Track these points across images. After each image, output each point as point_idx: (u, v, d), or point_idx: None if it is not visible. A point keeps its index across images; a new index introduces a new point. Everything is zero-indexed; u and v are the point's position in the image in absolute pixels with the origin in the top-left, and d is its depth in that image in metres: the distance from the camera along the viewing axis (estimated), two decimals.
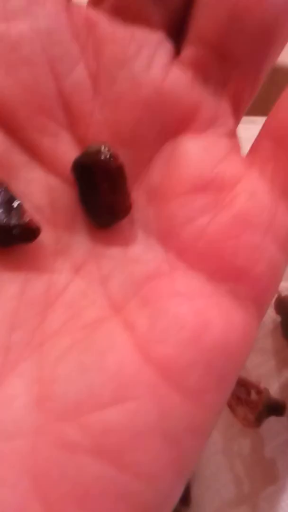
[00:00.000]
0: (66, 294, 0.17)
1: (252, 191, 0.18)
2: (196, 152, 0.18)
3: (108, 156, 0.17)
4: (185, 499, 0.34)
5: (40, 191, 0.18)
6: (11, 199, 0.17)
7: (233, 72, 0.18)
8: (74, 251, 0.18)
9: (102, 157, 0.17)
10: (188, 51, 0.18)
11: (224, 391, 0.17)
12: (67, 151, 0.18)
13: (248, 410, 0.34)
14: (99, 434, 0.16)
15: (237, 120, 0.19)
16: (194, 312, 0.17)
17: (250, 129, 0.37)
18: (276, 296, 0.35)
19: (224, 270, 0.17)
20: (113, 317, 0.17)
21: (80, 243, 0.18)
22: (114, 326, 0.17)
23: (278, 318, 0.36)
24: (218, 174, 0.18)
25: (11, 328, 0.17)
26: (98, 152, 0.17)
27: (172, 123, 0.18)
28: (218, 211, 0.18)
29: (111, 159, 0.17)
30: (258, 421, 0.34)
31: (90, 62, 0.18)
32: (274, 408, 0.34)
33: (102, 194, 0.18)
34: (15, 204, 0.17)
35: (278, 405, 0.34)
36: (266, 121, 0.18)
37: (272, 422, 0.34)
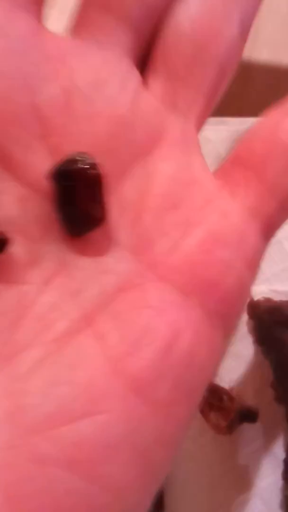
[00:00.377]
0: (37, 306, 0.17)
1: (223, 211, 0.18)
2: (168, 171, 0.19)
3: (88, 164, 0.18)
4: (159, 505, 0.34)
5: (11, 201, 0.18)
6: None
7: (197, 97, 0.20)
8: (45, 262, 0.18)
9: (83, 165, 0.18)
10: (156, 84, 0.20)
11: (193, 403, 0.18)
12: (40, 162, 0.18)
13: (220, 416, 0.34)
14: (70, 447, 0.16)
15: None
16: (165, 324, 0.17)
17: (221, 130, 0.37)
18: (248, 300, 0.35)
19: (194, 283, 0.18)
20: (84, 329, 0.17)
21: (52, 254, 0.18)
22: (85, 338, 0.17)
23: (251, 323, 0.36)
24: (190, 194, 0.19)
25: None
26: (79, 160, 0.18)
27: (143, 140, 0.19)
28: (191, 227, 0.18)
29: (92, 167, 0.18)
30: (230, 428, 0.34)
31: (63, 81, 0.18)
32: (246, 415, 0.34)
33: (79, 202, 0.18)
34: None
35: (251, 412, 0.34)
36: (237, 147, 0.19)
37: (245, 429, 0.34)
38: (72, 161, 0.18)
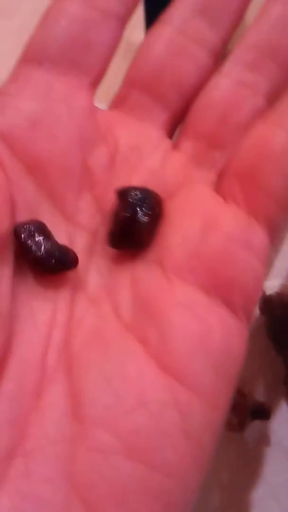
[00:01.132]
0: (86, 319, 0.20)
1: (233, 217, 0.20)
2: (188, 198, 0.21)
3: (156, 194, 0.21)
4: None
5: (61, 237, 0.21)
6: (50, 233, 0.20)
7: (220, 156, 0.22)
8: (92, 275, 0.21)
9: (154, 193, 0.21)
10: (185, 145, 0.23)
11: (230, 391, 0.19)
12: (86, 206, 0.21)
13: (232, 413, 0.33)
14: (128, 436, 0.17)
15: None
16: (197, 320, 0.19)
17: None
18: (261, 295, 0.34)
19: (217, 283, 0.19)
20: (126, 332, 0.19)
21: (98, 269, 0.21)
22: (128, 341, 0.19)
23: (263, 318, 0.35)
24: (206, 206, 0.21)
25: (45, 349, 0.19)
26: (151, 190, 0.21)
27: (172, 187, 0.22)
28: (209, 232, 0.20)
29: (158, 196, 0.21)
30: (242, 425, 0.33)
31: (109, 147, 0.22)
32: (259, 412, 0.33)
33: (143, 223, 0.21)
34: (54, 238, 0.20)
35: (264, 409, 0.33)
36: (229, 160, 0.22)
37: (257, 426, 0.33)
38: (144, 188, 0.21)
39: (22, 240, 0.20)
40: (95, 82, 0.22)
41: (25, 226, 0.20)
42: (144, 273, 0.20)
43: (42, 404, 0.18)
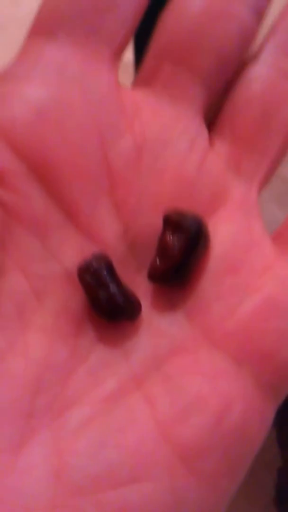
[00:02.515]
0: (89, 361, 0.18)
1: (282, 279, 0.18)
2: (229, 234, 0.19)
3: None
4: None
5: (72, 253, 0.18)
6: (118, 277, 0.18)
7: (261, 163, 0.20)
8: None
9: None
10: (222, 146, 0.20)
11: (238, 475, 0.17)
12: (103, 216, 0.18)
13: None
14: None
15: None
16: (216, 394, 0.17)
17: None
18: None
19: (249, 352, 0.17)
20: (134, 390, 0.17)
21: None
22: (134, 400, 0.17)
23: None
24: (249, 258, 0.18)
25: (35, 391, 0.17)
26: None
27: (207, 202, 0.19)
28: (248, 293, 0.18)
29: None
30: None
31: (136, 137, 0.19)
32: None
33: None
34: (121, 282, 0.18)
35: None
36: None
37: None
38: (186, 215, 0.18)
39: (84, 279, 0.18)
40: (119, 52, 0.19)
41: (91, 262, 0.18)
42: (169, 323, 0.18)
43: (20, 463, 0.16)
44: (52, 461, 0.16)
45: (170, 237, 0.18)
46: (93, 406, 0.17)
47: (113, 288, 0.18)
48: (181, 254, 0.18)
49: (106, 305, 0.18)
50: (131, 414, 0.17)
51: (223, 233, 0.19)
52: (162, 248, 0.18)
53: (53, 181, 0.18)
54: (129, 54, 0.32)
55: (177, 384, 0.17)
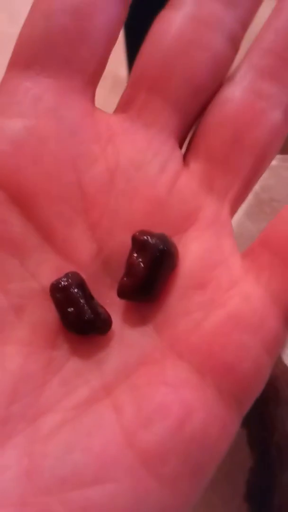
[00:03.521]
0: (62, 372, 0.19)
1: (246, 295, 0.19)
2: (198, 252, 0.20)
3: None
4: None
5: (50, 272, 0.19)
6: (88, 292, 0.19)
7: (234, 183, 0.21)
8: None
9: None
10: (196, 165, 0.21)
11: (200, 480, 0.18)
12: (79, 236, 0.20)
13: None
14: (79, 510, 0.17)
15: (232, 217, 0.21)
16: (178, 402, 0.18)
17: None
18: None
19: (211, 364, 0.18)
20: (103, 398, 0.19)
21: None
22: (103, 408, 0.18)
23: None
24: (216, 275, 0.19)
25: (11, 399, 0.18)
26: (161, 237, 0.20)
27: (178, 221, 0.20)
28: (213, 308, 0.19)
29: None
30: None
31: (109, 161, 0.20)
32: None
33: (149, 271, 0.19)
34: (92, 298, 0.19)
35: None
36: (264, 230, 0.20)
37: None
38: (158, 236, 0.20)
39: (55, 296, 0.19)
40: (94, 79, 0.20)
41: (60, 281, 0.19)
42: (139, 336, 0.19)
43: None
44: (24, 463, 0.17)
45: (135, 257, 0.19)
46: (64, 413, 0.18)
47: (82, 304, 0.19)
48: (146, 272, 0.19)
49: (75, 321, 0.19)
50: (99, 421, 0.18)
51: (193, 251, 0.20)
52: (129, 267, 0.19)
53: (30, 207, 0.19)
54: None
55: (143, 393, 0.18)
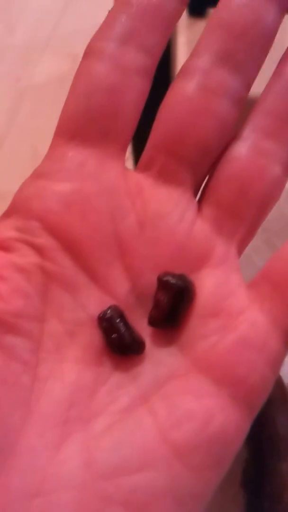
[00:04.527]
0: (108, 384, 0.23)
1: (252, 321, 0.23)
2: (211, 286, 0.24)
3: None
4: None
5: (95, 304, 0.24)
6: (127, 323, 0.23)
7: (240, 227, 0.24)
8: None
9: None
10: (208, 211, 0.24)
11: (221, 469, 0.22)
12: (117, 276, 0.24)
13: None
14: (128, 492, 0.21)
15: (239, 256, 0.25)
16: (202, 408, 0.22)
17: None
18: None
19: (226, 378, 0.22)
20: (141, 405, 0.23)
21: None
22: (141, 412, 0.23)
23: None
24: (227, 305, 0.24)
25: (68, 408, 0.22)
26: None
27: (195, 260, 0.24)
28: (226, 333, 0.23)
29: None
30: None
31: (138, 213, 0.24)
32: None
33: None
34: (129, 326, 0.24)
35: None
36: (267, 263, 0.24)
37: None
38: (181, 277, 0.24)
39: (101, 325, 0.23)
40: (126, 144, 0.24)
41: (106, 313, 0.23)
42: (167, 355, 0.23)
43: (60, 455, 0.21)
44: (83, 455, 0.22)
45: (160, 294, 0.24)
46: (111, 416, 0.23)
47: (122, 331, 0.23)
48: (169, 306, 0.23)
49: (117, 344, 0.23)
50: (139, 422, 0.22)
51: (207, 285, 0.24)
52: (156, 302, 0.24)
53: (78, 253, 0.23)
54: None
55: (173, 401, 0.22)
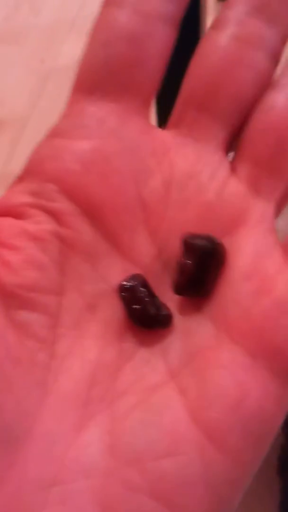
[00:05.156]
0: (133, 360, 0.22)
1: None
2: (246, 248, 0.22)
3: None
4: None
5: (117, 274, 0.22)
6: (152, 293, 0.22)
7: (278, 184, 0.22)
8: None
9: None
10: (243, 169, 0.23)
11: (259, 451, 0.20)
12: (141, 242, 0.22)
13: None
14: (155, 479, 0.20)
15: (276, 217, 0.23)
16: (235, 384, 0.20)
17: None
18: None
19: (262, 347, 0.20)
20: (169, 382, 0.21)
21: None
22: (170, 390, 0.21)
23: None
24: (262, 267, 0.22)
25: (90, 386, 0.21)
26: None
27: (228, 222, 0.22)
28: (261, 297, 0.21)
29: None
30: None
31: (164, 174, 0.22)
32: None
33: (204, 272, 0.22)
34: (155, 297, 0.22)
35: None
36: None
37: None
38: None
39: (123, 296, 0.22)
40: (149, 100, 0.23)
41: (127, 282, 0.21)
42: (197, 326, 0.21)
43: (80, 440, 0.20)
44: (106, 439, 0.20)
45: (185, 257, 0.22)
46: (137, 396, 0.21)
47: (146, 302, 0.22)
48: (193, 270, 0.22)
49: (141, 316, 0.22)
50: (167, 401, 0.21)
51: (241, 248, 0.22)
52: (181, 267, 0.22)
53: (98, 218, 0.22)
54: None
55: (204, 376, 0.21)
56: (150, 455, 0.20)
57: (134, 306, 0.22)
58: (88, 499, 0.19)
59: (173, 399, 0.21)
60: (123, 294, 0.22)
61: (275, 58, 0.23)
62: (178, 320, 0.22)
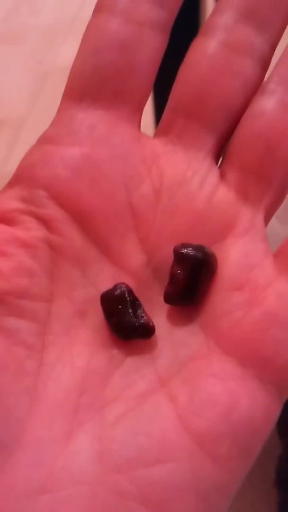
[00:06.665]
0: (122, 368, 0.22)
1: (280, 294, 0.21)
2: (236, 257, 0.22)
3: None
4: None
5: (107, 280, 0.22)
6: (135, 301, 0.22)
7: (267, 191, 0.23)
8: None
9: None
10: (232, 176, 0.23)
11: (248, 458, 0.21)
12: (131, 248, 0.23)
13: None
14: (145, 486, 0.20)
15: (266, 224, 0.24)
16: (226, 392, 0.21)
17: None
18: None
19: (252, 358, 0.21)
20: (159, 390, 0.22)
21: None
22: (160, 398, 0.21)
23: None
24: (253, 277, 0.22)
25: (80, 394, 0.21)
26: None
27: (217, 230, 0.23)
28: (251, 307, 0.21)
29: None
30: None
31: (154, 181, 0.23)
32: None
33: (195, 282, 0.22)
34: (138, 307, 0.22)
35: None
36: None
37: None
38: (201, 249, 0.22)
39: (102, 305, 0.22)
40: (140, 107, 0.23)
41: (108, 292, 0.22)
42: (187, 335, 0.22)
43: (70, 447, 0.20)
44: (95, 446, 0.20)
45: (176, 267, 0.22)
46: (126, 403, 0.21)
47: (123, 313, 0.22)
48: (185, 281, 0.22)
49: (117, 328, 0.22)
50: (157, 409, 0.21)
51: (231, 256, 0.22)
52: (171, 276, 0.22)
53: (88, 224, 0.22)
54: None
55: (194, 384, 0.21)
56: (140, 462, 0.20)
57: (112, 318, 0.22)
58: (78, 507, 0.20)
59: (163, 407, 0.21)
60: (103, 304, 0.22)
61: (264, 65, 0.23)
62: (168, 327, 0.22)
